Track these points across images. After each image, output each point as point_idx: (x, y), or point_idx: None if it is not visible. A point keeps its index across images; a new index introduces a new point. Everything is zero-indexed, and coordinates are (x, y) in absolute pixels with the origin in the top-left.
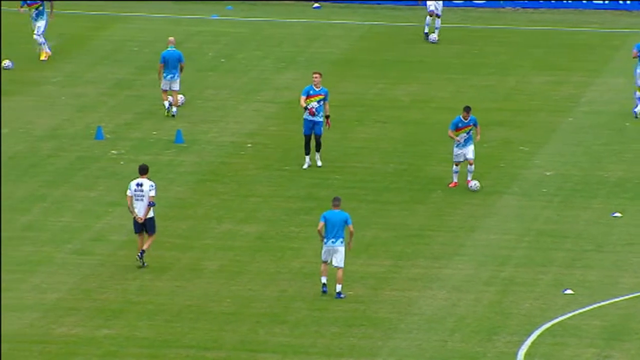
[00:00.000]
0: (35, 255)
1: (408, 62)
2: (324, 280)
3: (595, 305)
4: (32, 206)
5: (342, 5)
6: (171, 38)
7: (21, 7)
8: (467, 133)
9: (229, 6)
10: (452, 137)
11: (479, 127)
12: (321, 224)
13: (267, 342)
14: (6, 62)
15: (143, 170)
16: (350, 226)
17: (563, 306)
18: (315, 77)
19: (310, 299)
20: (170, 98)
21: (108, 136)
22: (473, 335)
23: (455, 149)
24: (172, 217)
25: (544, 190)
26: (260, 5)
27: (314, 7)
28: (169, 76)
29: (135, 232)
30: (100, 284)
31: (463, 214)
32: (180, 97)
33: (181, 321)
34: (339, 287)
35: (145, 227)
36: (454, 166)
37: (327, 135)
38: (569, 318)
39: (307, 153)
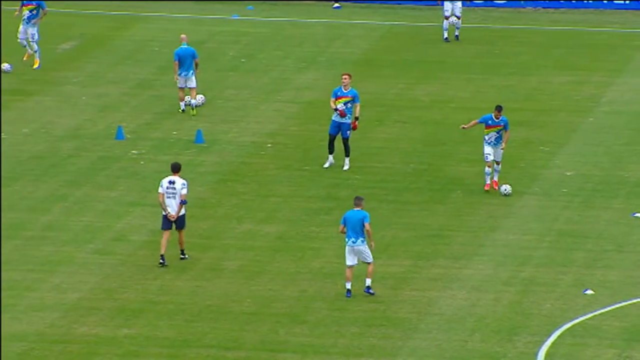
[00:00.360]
0: (56, 255)
1: (428, 62)
2: (348, 286)
3: (616, 306)
4: (53, 206)
5: (362, 5)
6: (183, 35)
7: (20, 8)
8: (497, 132)
9: (250, 6)
10: (468, 126)
11: (508, 132)
12: (341, 226)
13: (288, 342)
14: (5, 65)
15: (175, 168)
16: (367, 224)
17: (584, 306)
18: (344, 79)
19: (330, 299)
20: (187, 98)
21: (129, 136)
22: (493, 335)
23: (485, 147)
24: (193, 217)
25: (565, 190)
26: (281, 5)
27: (335, 7)
28: (183, 73)
29: (162, 228)
30: (121, 283)
31: (483, 214)
32: (200, 97)
33: (201, 321)
34: (368, 282)
35: (175, 223)
36: (486, 168)
37: None
38: (589, 318)
39: (331, 152)
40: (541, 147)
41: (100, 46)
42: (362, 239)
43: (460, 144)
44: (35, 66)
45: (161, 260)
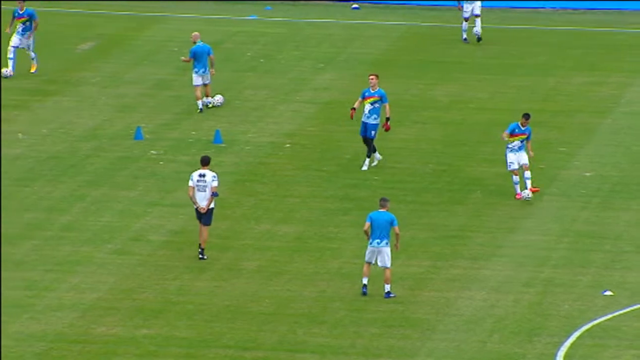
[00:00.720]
0: (75, 255)
1: (447, 62)
2: (364, 281)
3: (635, 307)
4: (72, 206)
5: (380, 5)
6: (196, 33)
7: (11, 22)
8: (521, 142)
9: (268, 6)
10: (503, 138)
11: (529, 142)
12: (367, 224)
13: (306, 343)
14: (5, 70)
15: (205, 161)
16: (396, 228)
17: (603, 307)
18: (371, 79)
19: (349, 299)
20: (205, 99)
21: (147, 136)
22: (512, 336)
23: (509, 154)
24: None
25: (583, 191)
26: (299, 6)
27: (353, 8)
28: (201, 70)
29: (197, 218)
30: (140, 283)
31: (502, 214)
32: (219, 97)
33: (220, 321)
34: (387, 287)
35: (202, 217)
36: (513, 176)
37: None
38: (608, 319)
39: (374, 151)
40: (560, 148)
41: (118, 46)
42: (386, 240)
43: (479, 145)
44: (33, 70)
45: (201, 257)
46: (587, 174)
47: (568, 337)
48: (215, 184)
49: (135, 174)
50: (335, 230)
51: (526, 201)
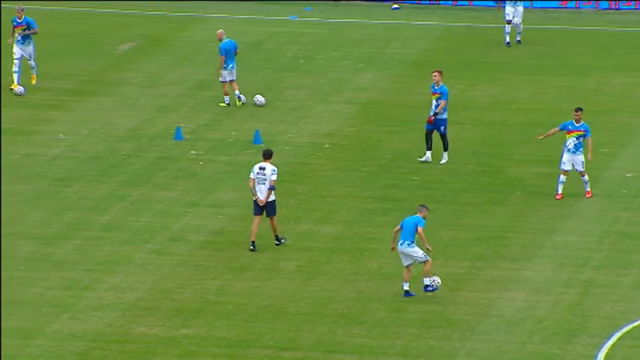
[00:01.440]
0: (115, 255)
1: (486, 63)
2: (405, 287)
3: None
4: (112, 206)
5: (420, 6)
6: (220, 30)
7: (12, 32)
8: (577, 138)
9: (308, 7)
10: (546, 135)
11: (590, 139)
12: (397, 227)
13: (345, 343)
14: (19, 88)
15: (267, 155)
16: (419, 228)
17: None
18: (434, 76)
19: (388, 300)
20: (237, 93)
21: (187, 137)
22: (552, 337)
23: (564, 154)
24: (251, 217)
25: (625, 191)
26: (339, 6)
27: (393, 8)
28: (230, 66)
29: (254, 214)
30: (179, 283)
31: (542, 215)
32: (260, 98)
33: (259, 321)
34: (425, 281)
35: (266, 210)
36: (560, 175)
37: (406, 137)
38: None
39: (428, 148)
40: (601, 149)
41: (159, 47)
42: (409, 242)
43: (520, 145)
44: (34, 82)
45: (252, 247)
46: (629, 174)
47: (608, 338)
48: (273, 177)
49: (175, 174)
50: (374, 230)
51: (567, 202)
